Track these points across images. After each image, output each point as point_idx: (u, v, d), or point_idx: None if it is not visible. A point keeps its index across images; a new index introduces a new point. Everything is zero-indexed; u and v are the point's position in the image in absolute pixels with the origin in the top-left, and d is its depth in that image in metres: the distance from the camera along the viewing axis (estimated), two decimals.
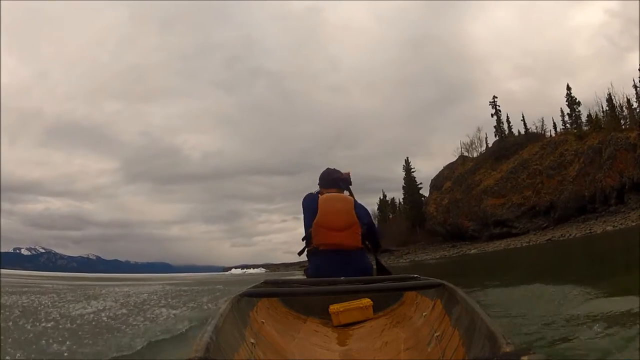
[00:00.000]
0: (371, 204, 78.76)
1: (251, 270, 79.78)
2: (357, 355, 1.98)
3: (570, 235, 33.54)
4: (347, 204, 3.22)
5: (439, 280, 2.14)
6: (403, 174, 71.36)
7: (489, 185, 51.52)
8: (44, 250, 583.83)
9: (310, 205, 3.25)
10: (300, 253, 3.34)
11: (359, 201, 3.42)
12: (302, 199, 3.40)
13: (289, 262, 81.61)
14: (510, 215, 47.92)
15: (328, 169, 3.55)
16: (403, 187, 73.14)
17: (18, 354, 3.06)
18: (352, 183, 3.55)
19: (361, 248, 3.24)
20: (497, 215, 48.75)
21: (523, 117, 56.39)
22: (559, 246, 25.18)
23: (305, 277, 3.31)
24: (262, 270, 79.72)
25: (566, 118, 52.84)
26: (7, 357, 2.78)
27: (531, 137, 53.88)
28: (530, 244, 33.85)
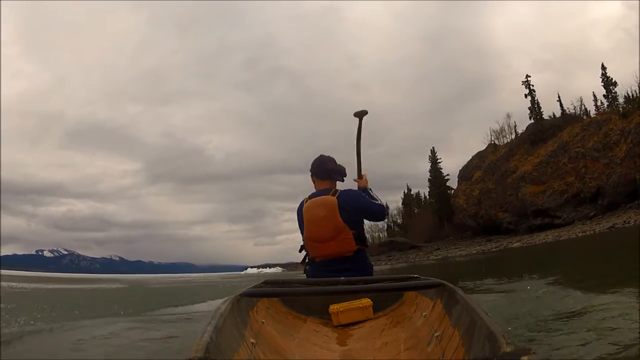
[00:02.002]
0: (395, 201, 76.23)
1: (267, 270, 78.11)
2: (357, 355, 2.00)
3: (633, 221, 28.50)
4: (330, 208, 2.95)
5: (439, 280, 2.11)
6: (426, 169, 67.38)
7: (526, 171, 46.48)
8: (66, 252, 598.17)
9: (299, 216, 3.12)
10: (302, 262, 3.24)
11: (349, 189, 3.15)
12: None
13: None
14: (552, 203, 42.87)
15: (322, 156, 3.24)
16: (429, 179, 69.08)
17: None
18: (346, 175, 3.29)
19: (358, 249, 3.01)
20: (538, 204, 43.73)
21: (559, 97, 51.51)
22: (626, 235, 20.70)
23: (305, 277, 3.22)
24: (279, 269, 77.71)
25: (599, 102, 48.50)
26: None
27: (569, 119, 48.97)
28: (587, 233, 28.96)
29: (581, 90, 49.85)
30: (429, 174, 68.64)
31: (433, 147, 68.78)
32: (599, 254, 13.14)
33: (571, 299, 4.29)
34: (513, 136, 56.59)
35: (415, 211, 76.06)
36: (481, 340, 1.23)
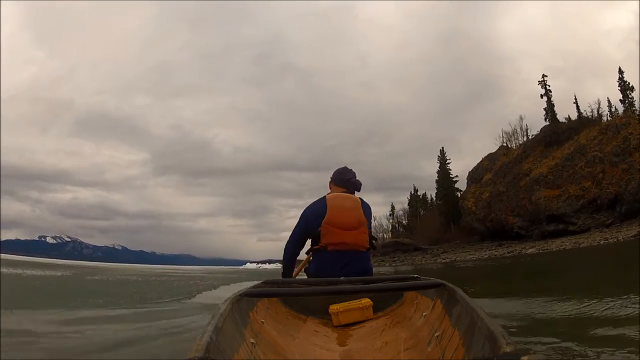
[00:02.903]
0: (400, 202, 75.23)
1: (267, 266, 76.73)
2: (357, 355, 2.00)
3: None
4: (355, 203, 3.15)
5: (439, 280, 2.10)
6: (432, 171, 66.01)
7: (541, 174, 44.44)
8: (69, 239, 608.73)
9: (317, 210, 3.09)
10: (307, 252, 3.24)
11: (366, 200, 3.30)
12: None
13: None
14: (567, 209, 40.86)
15: (345, 167, 3.49)
16: (436, 180, 67.34)
17: None
18: (360, 191, 3.46)
19: (367, 249, 3.14)
20: (552, 209, 41.71)
21: (575, 99, 49.48)
22: None
23: (305, 276, 3.23)
24: (279, 265, 75.27)
25: (613, 109, 46.77)
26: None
27: (585, 122, 46.98)
28: (610, 241, 27.07)
29: (592, 98, 47.88)
30: (436, 175, 67.09)
31: (442, 148, 67.16)
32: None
33: None
34: (525, 139, 55.10)
35: (421, 213, 74.28)
36: (481, 340, 1.23)
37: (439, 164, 66.20)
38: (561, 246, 30.43)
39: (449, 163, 66.10)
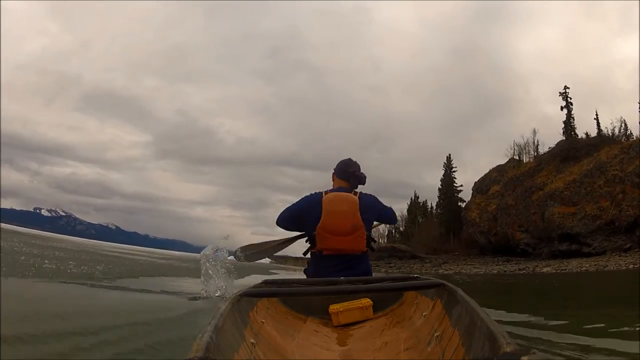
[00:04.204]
0: (398, 210, 72.89)
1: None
2: (357, 355, 2.00)
3: None
4: (352, 205, 3.03)
5: (439, 280, 2.12)
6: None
7: (557, 189, 41.68)
8: (64, 214, 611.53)
9: (313, 209, 3.05)
10: (305, 253, 3.21)
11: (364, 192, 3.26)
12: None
13: (301, 256, 77.31)
14: (582, 229, 38.06)
15: (350, 159, 3.37)
16: (439, 188, 64.93)
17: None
18: (365, 184, 3.33)
19: (365, 252, 3.10)
20: (566, 228, 38.88)
21: (597, 115, 46.94)
22: None
23: (305, 277, 3.25)
24: (268, 260, 73.13)
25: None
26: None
27: (606, 140, 44.47)
28: (638, 266, 24.39)
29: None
30: (440, 182, 64.69)
31: (449, 155, 64.61)
32: None
33: None
34: (535, 153, 52.68)
35: (420, 220, 71.80)
36: (481, 340, 1.23)
37: (443, 171, 63.78)
38: (581, 267, 27.57)
39: (454, 171, 63.65)
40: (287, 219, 3.20)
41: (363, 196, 3.14)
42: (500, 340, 1.06)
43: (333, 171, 3.35)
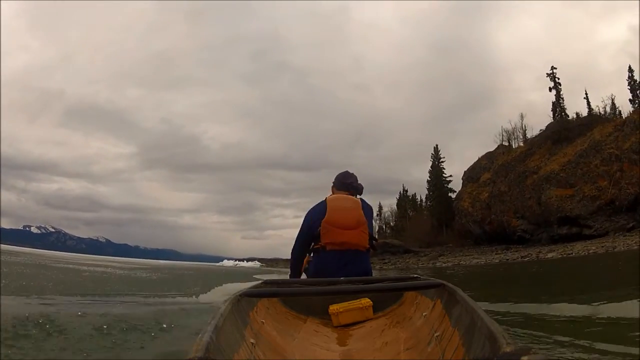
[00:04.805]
0: (388, 205, 72.06)
1: (244, 264, 73.30)
2: (357, 356, 2.01)
3: None
4: (355, 204, 3.19)
5: (439, 280, 2.13)
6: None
7: (552, 171, 40.06)
8: (53, 230, 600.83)
9: (318, 211, 3.14)
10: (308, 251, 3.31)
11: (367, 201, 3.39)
12: (314, 201, 3.36)
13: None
14: (582, 210, 36.53)
15: (347, 171, 3.54)
16: (428, 180, 63.28)
17: None
18: (362, 194, 3.50)
19: (367, 249, 3.17)
20: (565, 211, 37.30)
21: (586, 94, 45.74)
22: None
23: (305, 277, 3.31)
24: (258, 264, 73.13)
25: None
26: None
27: (597, 119, 43.18)
28: None
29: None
30: (428, 174, 63.10)
31: (437, 145, 63.10)
32: None
33: None
34: (523, 139, 51.48)
35: (410, 214, 70.25)
36: (481, 340, 1.23)
37: (431, 162, 62.19)
38: (589, 250, 25.75)
39: (443, 162, 62.11)
40: (301, 245, 3.27)
41: (364, 203, 3.24)
42: (500, 340, 1.06)
43: (332, 184, 3.49)
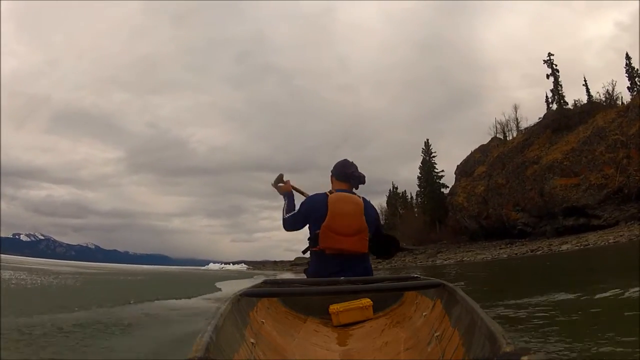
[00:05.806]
0: (378, 204, 69.56)
1: (230, 267, 72.16)
2: (357, 355, 2.00)
3: None
4: (357, 207, 3.02)
5: (439, 280, 2.11)
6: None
7: (555, 160, 37.87)
8: (43, 237, 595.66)
9: (318, 208, 3.01)
10: (304, 252, 3.18)
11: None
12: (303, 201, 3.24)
13: (282, 259, 78.34)
14: (589, 200, 34.37)
15: (346, 160, 3.30)
16: (418, 177, 60.98)
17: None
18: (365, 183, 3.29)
19: (366, 252, 3.05)
20: (571, 201, 35.11)
21: (585, 81, 43.91)
22: None
23: (305, 277, 3.23)
24: (245, 267, 72.00)
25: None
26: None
27: (598, 106, 41.31)
28: None
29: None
30: (419, 170, 60.86)
31: (427, 139, 60.84)
32: None
33: None
34: (517, 132, 49.64)
35: (401, 212, 67.99)
36: (481, 340, 1.23)
37: (422, 157, 59.92)
38: (608, 240, 23.34)
39: (434, 157, 59.89)
40: (292, 225, 3.20)
41: (367, 203, 3.11)
42: (500, 340, 1.06)
43: (331, 173, 3.28)
